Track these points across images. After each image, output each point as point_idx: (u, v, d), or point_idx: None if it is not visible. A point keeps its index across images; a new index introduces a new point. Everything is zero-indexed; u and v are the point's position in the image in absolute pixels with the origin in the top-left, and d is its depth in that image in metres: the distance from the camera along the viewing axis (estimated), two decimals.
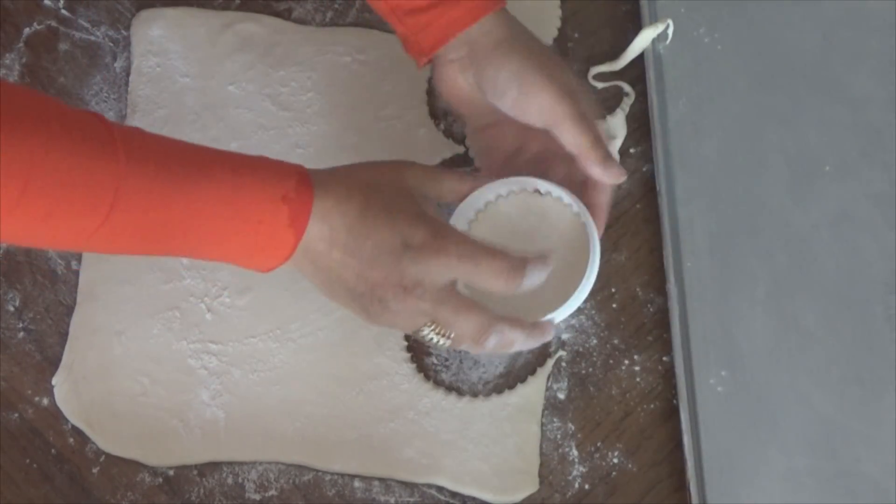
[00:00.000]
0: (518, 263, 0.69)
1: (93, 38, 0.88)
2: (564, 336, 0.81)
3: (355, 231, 0.67)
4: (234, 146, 0.84)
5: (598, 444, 0.78)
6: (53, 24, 0.88)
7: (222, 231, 0.66)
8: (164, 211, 0.64)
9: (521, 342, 0.71)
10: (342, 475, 0.77)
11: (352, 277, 0.68)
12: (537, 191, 0.75)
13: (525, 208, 0.76)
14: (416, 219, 0.69)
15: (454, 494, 0.77)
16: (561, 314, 0.72)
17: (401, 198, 0.69)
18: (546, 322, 0.72)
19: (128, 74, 0.87)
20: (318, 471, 0.77)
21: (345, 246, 0.67)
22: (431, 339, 0.70)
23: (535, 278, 0.70)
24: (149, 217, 0.64)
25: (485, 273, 0.68)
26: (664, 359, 0.80)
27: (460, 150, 0.85)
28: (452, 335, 0.69)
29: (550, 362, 0.80)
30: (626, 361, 0.80)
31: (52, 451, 0.78)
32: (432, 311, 0.68)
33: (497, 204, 0.76)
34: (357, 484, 0.77)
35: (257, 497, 0.77)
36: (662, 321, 0.80)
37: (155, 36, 0.87)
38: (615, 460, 0.78)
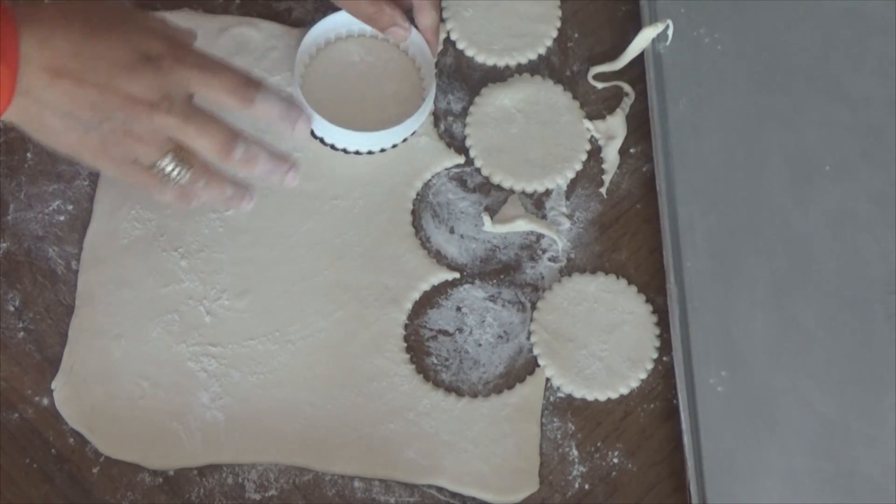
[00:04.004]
0: (255, 80, 0.69)
1: None
2: None
3: (84, 54, 0.61)
4: None
5: (598, 444, 0.78)
6: None
7: None
8: None
9: (266, 158, 0.71)
10: (342, 475, 0.77)
11: (86, 108, 0.62)
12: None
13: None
14: (151, 31, 0.65)
15: (454, 495, 0.77)
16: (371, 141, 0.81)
17: (128, 13, 0.66)
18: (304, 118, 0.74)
19: None
20: (318, 471, 0.77)
21: (73, 73, 0.61)
22: (173, 170, 0.66)
23: (269, 101, 0.70)
24: None
25: (220, 83, 0.67)
26: (664, 359, 0.80)
27: (460, 160, 0.85)
28: (191, 169, 0.67)
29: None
30: None
31: (52, 451, 0.78)
32: (181, 127, 0.65)
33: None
34: (357, 484, 0.77)
35: (257, 497, 0.77)
36: (662, 321, 0.80)
37: None
38: (615, 460, 0.78)
